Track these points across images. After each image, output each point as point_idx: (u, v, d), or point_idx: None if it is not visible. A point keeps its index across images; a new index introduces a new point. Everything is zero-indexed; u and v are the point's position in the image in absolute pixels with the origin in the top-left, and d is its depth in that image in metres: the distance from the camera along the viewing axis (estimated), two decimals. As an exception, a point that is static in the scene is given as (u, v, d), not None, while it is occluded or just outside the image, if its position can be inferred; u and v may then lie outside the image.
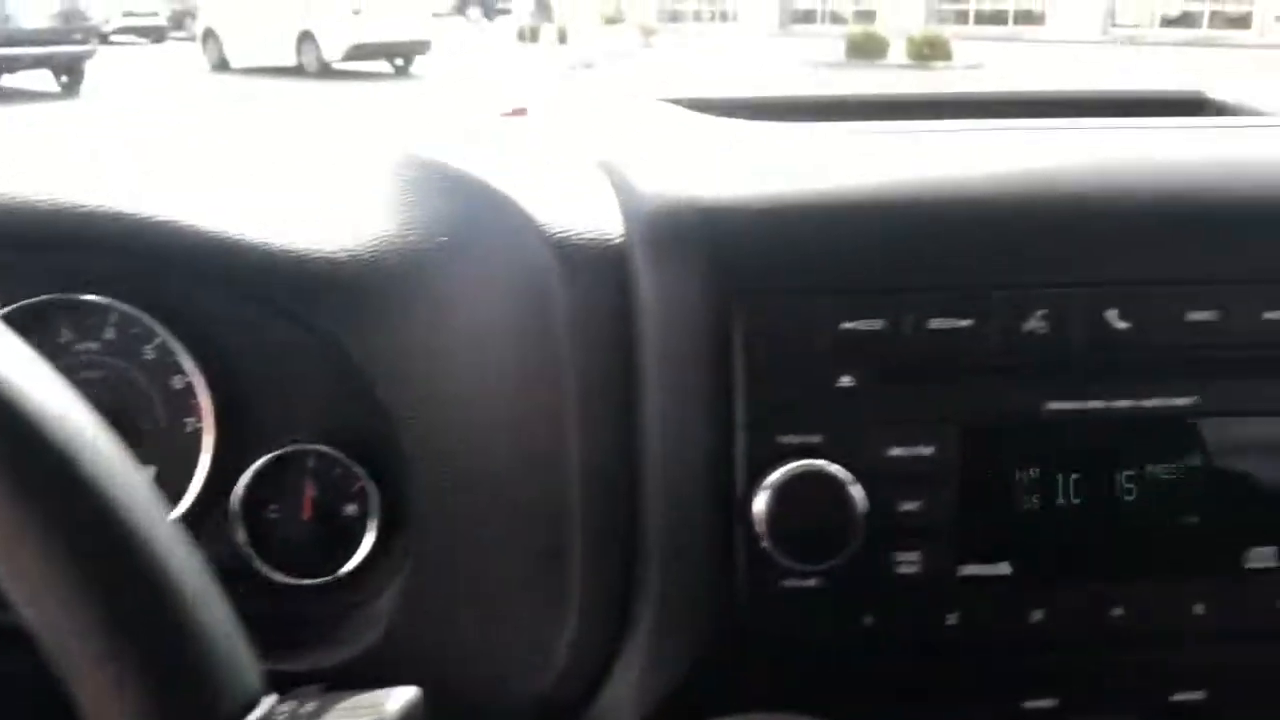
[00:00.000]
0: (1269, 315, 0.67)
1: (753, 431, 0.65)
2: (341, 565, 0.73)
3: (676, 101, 0.84)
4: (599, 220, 0.69)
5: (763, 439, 0.65)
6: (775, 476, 0.63)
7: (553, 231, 0.68)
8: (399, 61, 17.46)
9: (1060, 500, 0.67)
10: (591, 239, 0.68)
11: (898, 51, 17.73)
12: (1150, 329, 0.66)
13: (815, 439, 0.65)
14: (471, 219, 0.72)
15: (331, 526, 0.73)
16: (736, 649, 0.67)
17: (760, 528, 0.64)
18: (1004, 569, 0.67)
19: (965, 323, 0.65)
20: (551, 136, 0.82)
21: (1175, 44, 20.92)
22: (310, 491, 0.73)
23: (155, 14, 24.66)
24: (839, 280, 0.65)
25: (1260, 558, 0.68)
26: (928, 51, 16.81)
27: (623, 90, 0.90)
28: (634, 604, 0.68)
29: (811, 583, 0.66)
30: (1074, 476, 0.67)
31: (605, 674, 0.70)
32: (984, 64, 17.02)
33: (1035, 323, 0.66)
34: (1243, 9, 22.49)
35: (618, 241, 0.68)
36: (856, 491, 0.64)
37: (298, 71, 16.53)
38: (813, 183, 0.67)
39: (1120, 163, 0.70)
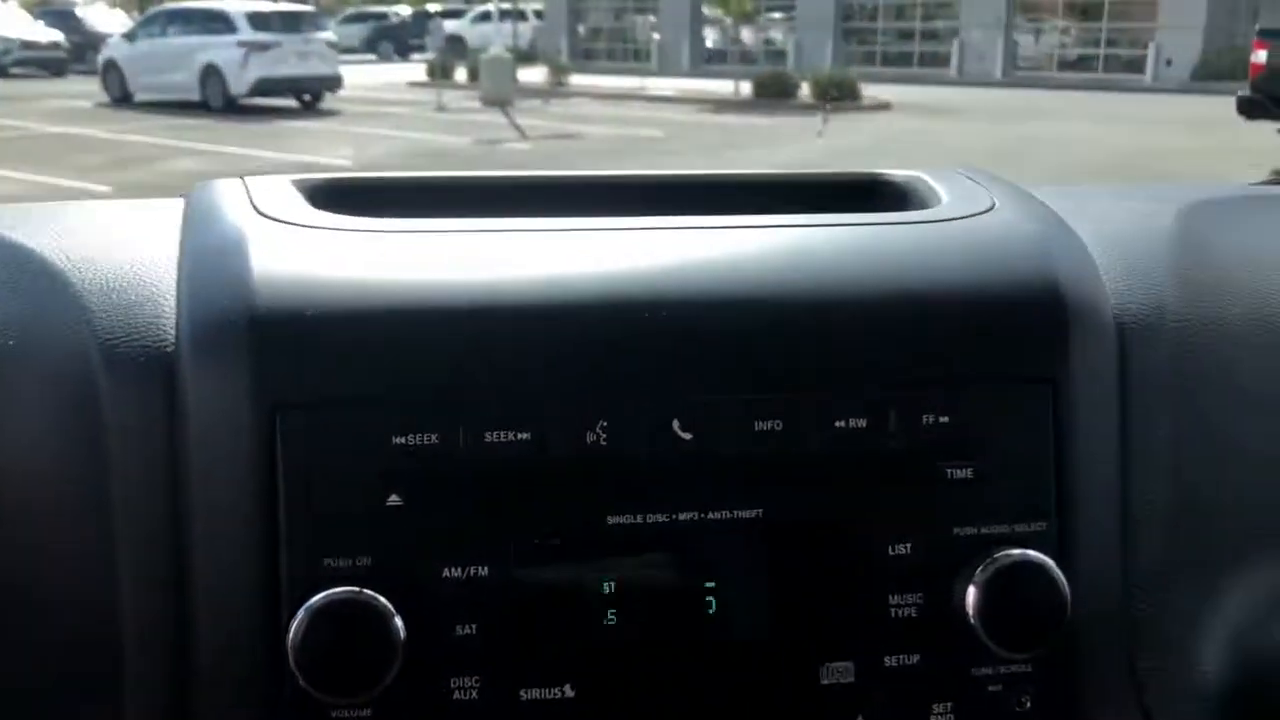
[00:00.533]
0: (839, 424, 0.66)
1: (294, 554, 0.61)
2: None
3: (304, 182, 0.80)
4: (153, 323, 0.66)
5: (306, 562, 0.61)
6: (313, 603, 0.60)
7: (102, 335, 0.65)
8: (307, 97, 17.30)
9: (626, 618, 0.64)
10: (142, 344, 0.65)
11: (806, 91, 18.06)
12: (716, 439, 0.64)
13: (364, 561, 0.62)
14: (26, 315, 0.68)
15: None
16: None
17: (295, 659, 0.60)
18: (568, 691, 0.64)
19: (523, 435, 0.63)
20: (143, 220, 0.78)
21: (1073, 87, 21.65)
22: None
23: (57, 45, 24.17)
24: (388, 391, 0.62)
25: (835, 673, 0.66)
26: (834, 92, 17.13)
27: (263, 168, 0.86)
28: None
29: (364, 713, 0.62)
30: (640, 593, 0.65)
31: None
32: (891, 104, 17.44)
33: (596, 434, 0.63)
34: (1136, 54, 23.36)
35: (169, 348, 0.64)
36: (398, 621, 0.60)
37: (203, 106, 16.28)
38: (370, 287, 0.64)
39: (697, 265, 0.69)
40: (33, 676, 0.65)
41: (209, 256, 0.68)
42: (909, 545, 0.67)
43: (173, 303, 0.67)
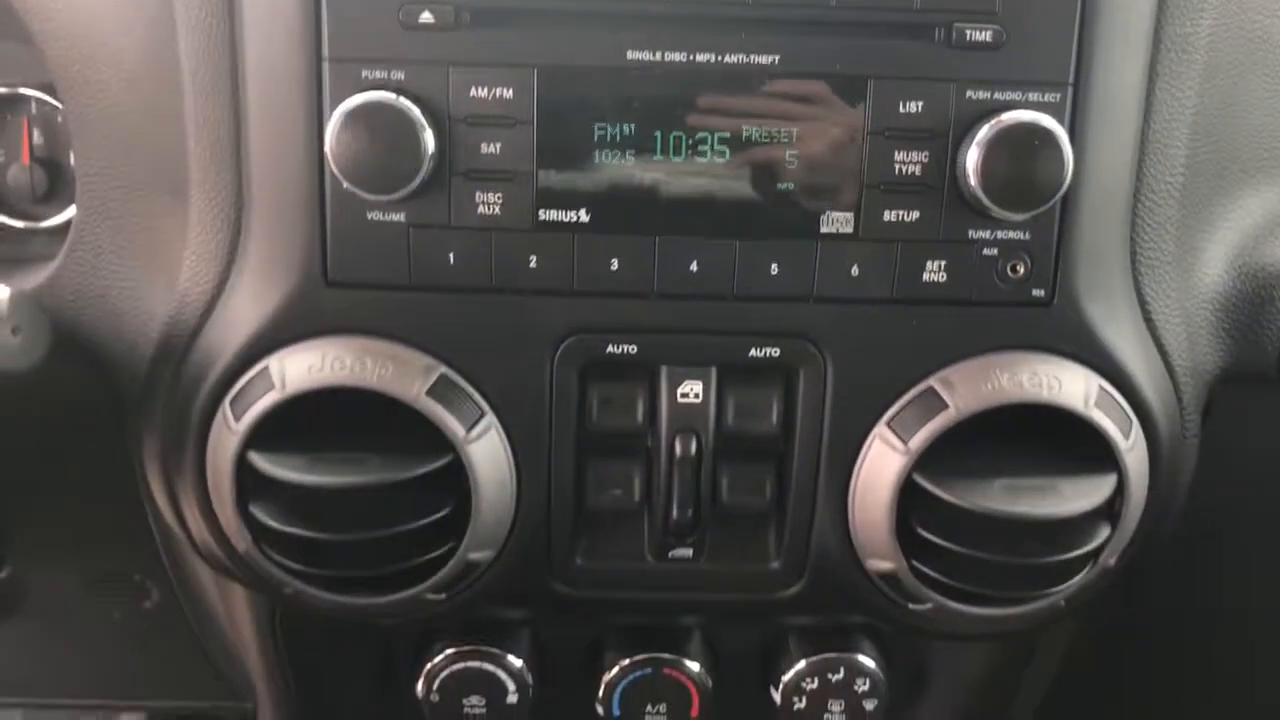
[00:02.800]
0: None
1: (336, 65, 0.69)
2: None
3: None
4: None
5: (346, 72, 0.69)
6: (350, 104, 0.68)
7: None
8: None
9: (643, 154, 0.70)
10: None
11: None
12: None
13: (398, 75, 0.69)
14: None
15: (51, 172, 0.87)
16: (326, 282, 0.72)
17: (333, 155, 0.68)
18: (583, 215, 0.71)
19: None
20: None
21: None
22: (33, 137, 0.86)
23: None
24: None
25: (835, 222, 0.72)
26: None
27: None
28: (239, 241, 0.75)
29: (395, 217, 0.71)
30: (658, 131, 0.70)
31: (215, 301, 0.76)
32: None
33: None
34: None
35: None
36: (428, 135, 0.68)
37: None
38: None
39: None
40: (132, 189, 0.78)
41: None
42: (920, 104, 0.70)
43: None
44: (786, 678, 0.95)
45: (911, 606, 0.81)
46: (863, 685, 0.95)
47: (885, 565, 0.79)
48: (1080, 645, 1.03)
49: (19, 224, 0.93)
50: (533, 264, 0.72)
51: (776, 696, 0.97)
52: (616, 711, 0.96)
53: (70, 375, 0.83)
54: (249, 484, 0.75)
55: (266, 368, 0.73)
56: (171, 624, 1.15)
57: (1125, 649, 1.13)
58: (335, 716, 1.06)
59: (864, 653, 0.96)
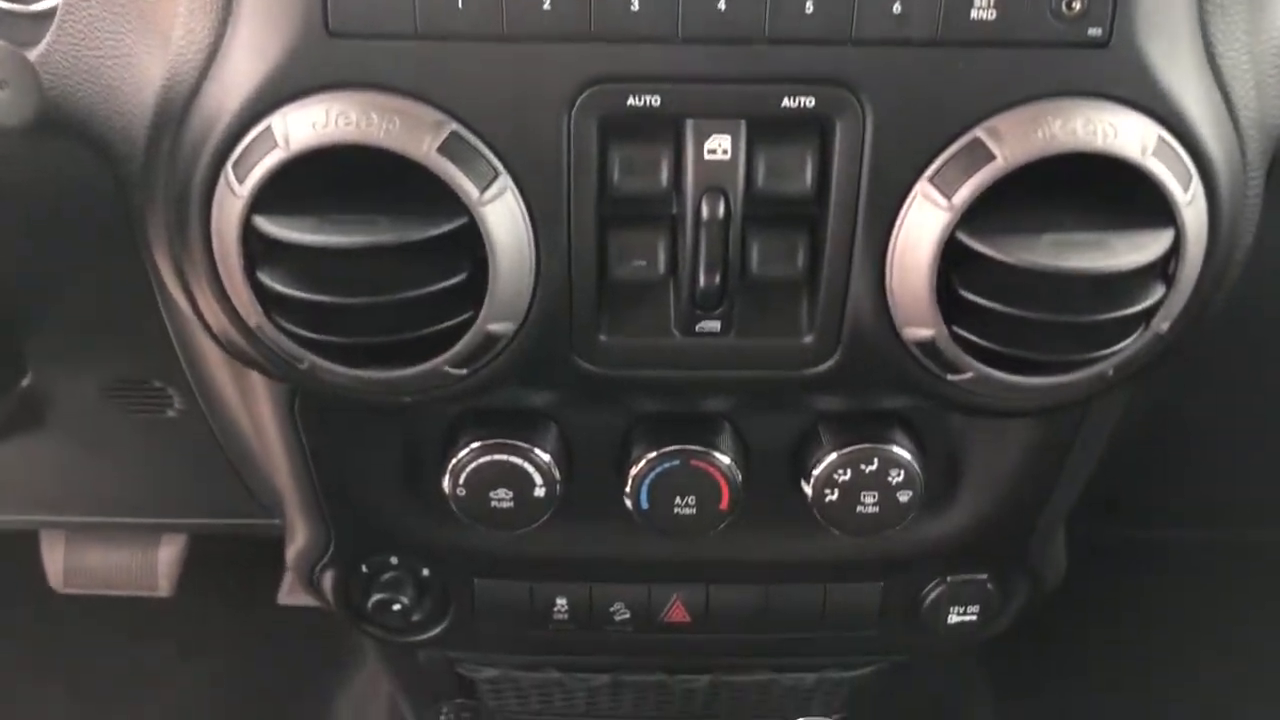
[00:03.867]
0: None
1: None
2: None
3: None
4: None
5: None
6: None
7: None
8: None
9: None
10: None
11: None
12: None
13: None
14: None
15: None
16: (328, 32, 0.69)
17: None
18: None
19: None
20: None
21: None
22: None
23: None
24: None
25: None
26: None
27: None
28: None
29: None
30: None
31: (211, 60, 0.72)
32: None
33: None
34: None
35: None
36: None
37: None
38: None
39: None
40: None
41: None
42: None
43: None
44: (818, 470, 0.93)
45: (950, 378, 0.78)
46: (897, 476, 0.93)
47: (924, 332, 0.75)
48: (1123, 434, 1.00)
49: (6, 4, 0.88)
50: (546, 5, 0.67)
51: (808, 489, 0.95)
52: (644, 505, 0.95)
53: (71, 163, 0.80)
54: (256, 251, 0.72)
55: (269, 127, 0.69)
56: (198, 438, 1.15)
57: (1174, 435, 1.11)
58: (360, 519, 1.05)
59: (898, 443, 0.93)
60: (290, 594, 2.14)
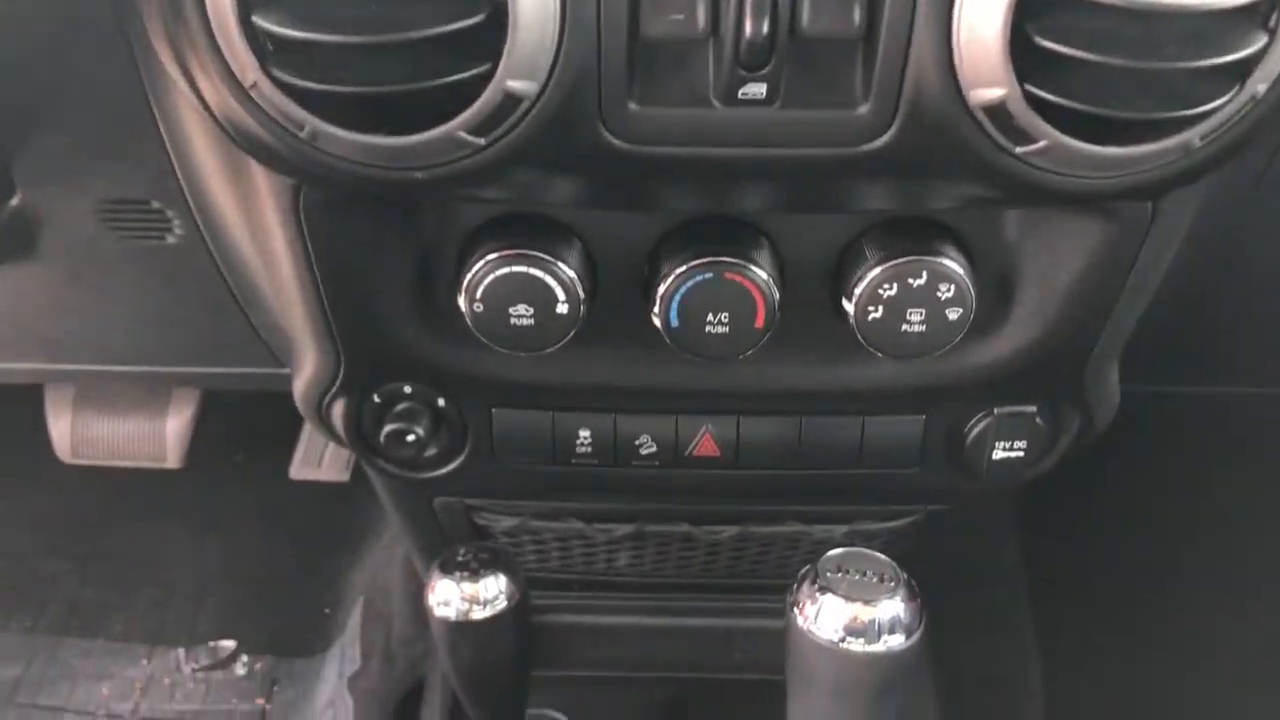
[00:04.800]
0: None
1: None
2: None
3: None
4: None
5: None
6: None
7: None
8: None
9: None
10: None
11: None
12: None
13: None
14: None
15: None
16: None
17: None
18: None
19: None
20: None
21: None
22: None
23: None
24: None
25: None
26: None
27: None
28: None
29: None
30: None
31: None
32: None
33: None
34: None
35: None
36: None
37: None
38: None
39: None
40: None
41: None
42: None
43: None
44: (861, 285, 0.87)
45: (1019, 150, 0.71)
46: (946, 291, 0.86)
47: (994, 93, 0.67)
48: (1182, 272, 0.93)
49: None
50: None
51: (850, 307, 0.88)
52: (674, 322, 0.88)
53: None
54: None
55: None
56: (200, 272, 1.09)
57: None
58: (371, 340, 0.99)
59: (948, 255, 0.86)
60: (302, 467, 2.11)
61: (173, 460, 1.95)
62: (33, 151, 1.00)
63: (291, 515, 2.14)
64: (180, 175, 0.97)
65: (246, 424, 2.11)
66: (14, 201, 1.05)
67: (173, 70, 0.75)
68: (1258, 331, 1.20)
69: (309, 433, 2.13)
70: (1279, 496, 1.65)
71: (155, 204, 1.04)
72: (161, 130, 0.91)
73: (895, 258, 0.86)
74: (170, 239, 1.07)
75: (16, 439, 2.00)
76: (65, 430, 1.91)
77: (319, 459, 2.13)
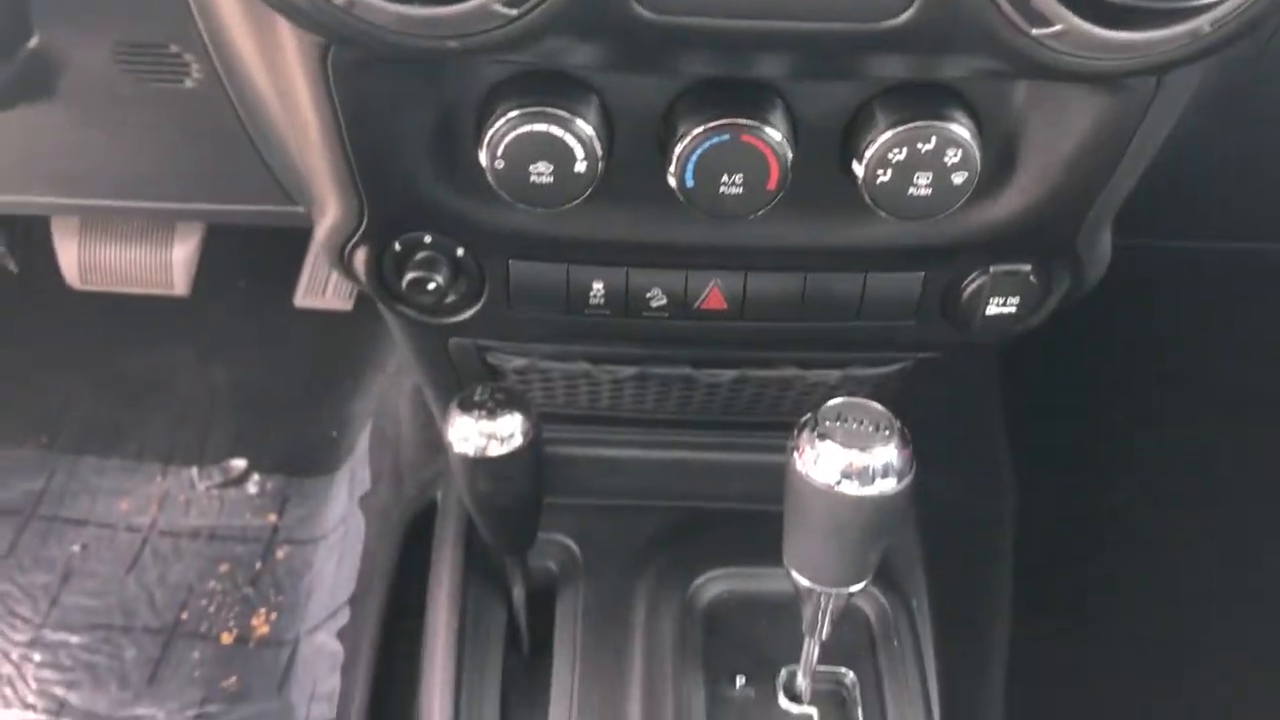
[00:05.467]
0: None
1: None
2: None
3: None
4: None
5: None
6: None
7: None
8: None
9: None
10: None
11: None
12: None
13: None
14: None
15: None
16: None
17: None
18: None
19: None
20: None
21: None
22: None
23: None
24: None
25: None
26: None
27: None
28: None
29: None
30: None
31: None
32: None
33: None
34: None
35: None
36: None
37: None
38: None
39: None
40: None
41: None
42: None
43: None
44: (871, 149, 0.89)
45: (1035, 32, 0.73)
46: (954, 156, 0.89)
47: None
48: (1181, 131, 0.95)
49: None
50: None
51: (859, 169, 0.91)
52: (690, 182, 0.91)
53: None
54: None
55: None
56: (217, 113, 1.10)
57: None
58: (395, 192, 1.02)
59: (957, 121, 0.89)
60: (306, 296, 2.15)
61: (180, 288, 1.99)
62: None
63: (296, 342, 2.19)
64: (200, 21, 0.97)
65: (251, 250, 2.14)
66: (31, 43, 1.05)
67: None
68: (1256, 185, 1.23)
69: (314, 261, 2.17)
70: (1246, 349, 1.72)
71: (173, 48, 1.04)
72: None
73: (905, 122, 0.89)
74: (188, 83, 1.08)
75: (26, 266, 2.02)
76: (72, 258, 1.94)
77: (323, 288, 2.17)
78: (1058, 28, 0.72)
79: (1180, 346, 1.76)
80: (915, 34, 0.76)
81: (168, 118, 1.16)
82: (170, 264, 1.95)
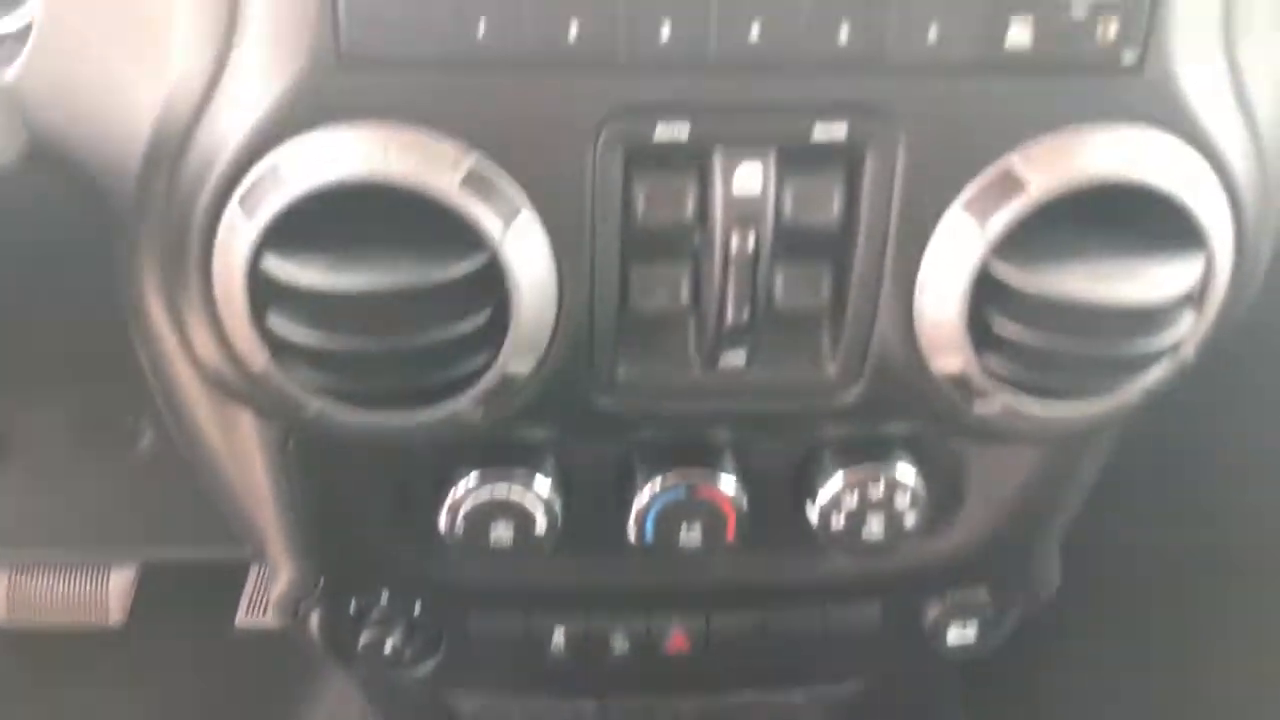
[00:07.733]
0: None
1: None
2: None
3: None
4: None
5: None
6: None
7: None
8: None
9: None
10: None
11: None
12: None
13: None
14: None
15: None
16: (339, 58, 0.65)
17: None
18: None
19: None
20: None
21: None
22: None
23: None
24: None
25: None
26: None
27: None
28: (236, 12, 0.66)
29: None
30: None
31: (213, 88, 0.67)
32: None
33: None
34: None
35: None
36: None
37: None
38: None
39: None
40: None
41: None
42: None
43: None
44: (824, 496, 0.92)
45: (975, 410, 0.77)
46: (903, 499, 0.92)
47: (953, 364, 0.74)
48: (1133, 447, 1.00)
49: None
50: (573, 30, 0.64)
51: (812, 514, 0.93)
52: (650, 538, 0.92)
53: (46, 194, 0.75)
54: (263, 292, 0.68)
55: (279, 159, 0.65)
56: (166, 468, 1.10)
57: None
58: (351, 556, 1.01)
59: (904, 466, 0.92)
60: (248, 616, 2.08)
61: (116, 618, 1.92)
62: (6, 366, 1.01)
63: (237, 664, 2.10)
64: (158, 395, 0.99)
65: (191, 574, 2.08)
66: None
67: (168, 337, 0.78)
68: (1190, 481, 1.27)
69: (256, 579, 2.11)
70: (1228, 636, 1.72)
71: (129, 418, 1.05)
72: (139, 350, 0.93)
73: (855, 465, 0.92)
74: (140, 446, 1.09)
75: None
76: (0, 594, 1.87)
77: (264, 608, 2.10)
78: (997, 407, 0.76)
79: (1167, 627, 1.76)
80: (862, 409, 0.80)
81: (115, 476, 1.15)
82: (106, 595, 1.89)
